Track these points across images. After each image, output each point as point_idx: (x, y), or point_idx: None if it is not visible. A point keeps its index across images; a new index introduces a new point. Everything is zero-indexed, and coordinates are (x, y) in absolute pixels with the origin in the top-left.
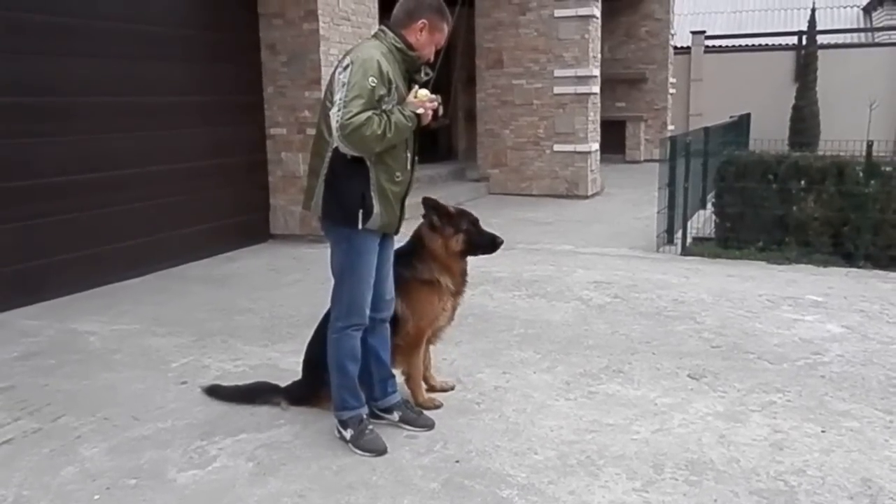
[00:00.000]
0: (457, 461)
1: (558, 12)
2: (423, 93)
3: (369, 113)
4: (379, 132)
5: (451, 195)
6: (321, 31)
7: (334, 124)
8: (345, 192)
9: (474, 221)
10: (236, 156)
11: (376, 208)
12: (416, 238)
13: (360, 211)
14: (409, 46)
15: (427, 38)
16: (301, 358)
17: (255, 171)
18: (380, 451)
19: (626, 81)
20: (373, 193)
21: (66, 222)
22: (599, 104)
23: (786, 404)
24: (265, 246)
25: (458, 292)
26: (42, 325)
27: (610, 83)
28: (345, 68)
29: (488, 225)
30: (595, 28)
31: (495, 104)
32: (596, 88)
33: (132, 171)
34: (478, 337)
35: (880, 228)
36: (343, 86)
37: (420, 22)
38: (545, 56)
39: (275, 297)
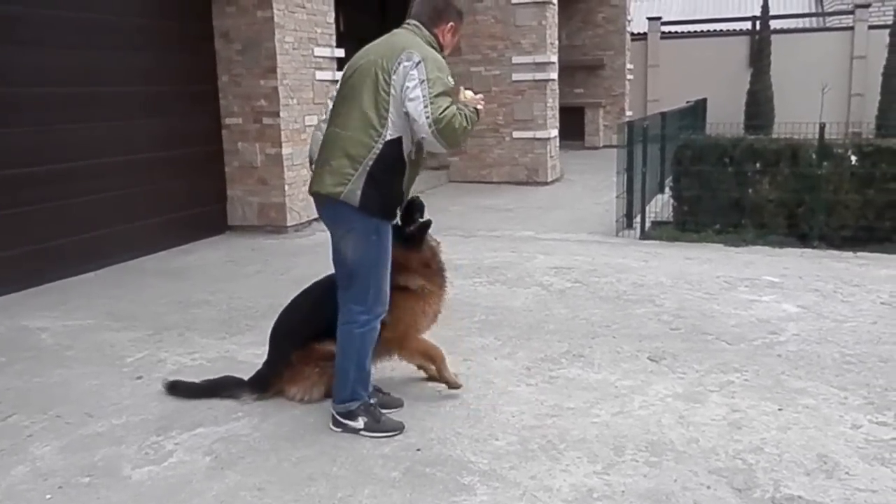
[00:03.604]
0: (418, 449)
1: None
2: (469, 93)
3: (455, 109)
4: (465, 125)
5: None
6: (276, 19)
7: (424, 119)
8: (391, 186)
9: None
10: (191, 146)
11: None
12: None
13: (398, 206)
14: (439, 46)
15: (451, 40)
16: (259, 350)
17: (211, 162)
18: (401, 428)
19: (584, 68)
20: (403, 189)
21: (15, 216)
22: (558, 91)
23: (743, 384)
24: (222, 237)
25: (439, 289)
26: None
27: (568, 70)
28: (416, 64)
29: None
30: (552, 15)
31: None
32: (554, 75)
33: (84, 162)
34: (438, 324)
35: (833, 209)
36: (422, 82)
37: (449, 24)
38: (503, 43)
39: (233, 289)
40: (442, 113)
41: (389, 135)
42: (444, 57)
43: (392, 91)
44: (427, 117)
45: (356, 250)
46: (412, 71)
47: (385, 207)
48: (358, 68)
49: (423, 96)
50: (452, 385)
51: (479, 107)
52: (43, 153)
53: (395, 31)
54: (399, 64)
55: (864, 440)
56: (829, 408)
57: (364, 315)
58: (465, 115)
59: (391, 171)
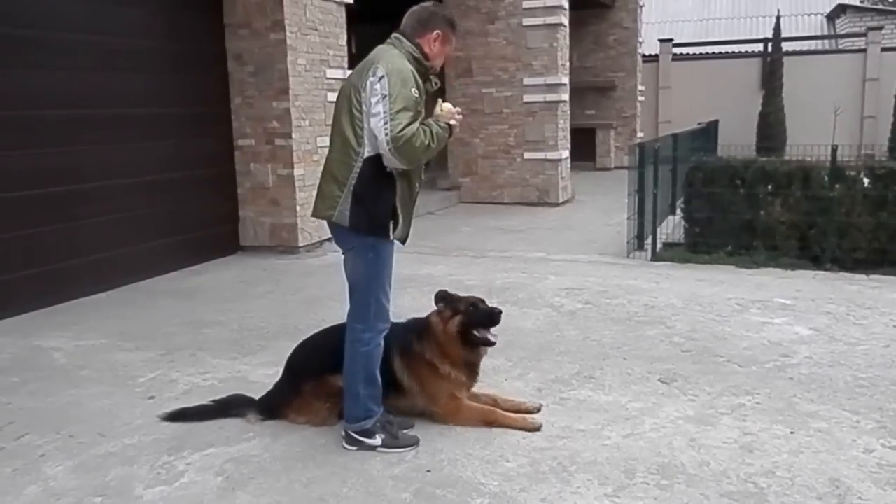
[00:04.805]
0: (428, 470)
1: (527, 21)
2: (448, 106)
3: (416, 124)
4: (427, 142)
5: (423, 204)
6: (288, 41)
7: (383, 136)
8: (377, 203)
9: (474, 303)
10: (204, 167)
11: (400, 219)
12: (426, 322)
13: (391, 222)
14: (424, 56)
15: (439, 49)
16: (271, 370)
17: (224, 183)
18: (417, 442)
19: (595, 89)
20: (398, 204)
21: (28, 237)
22: (569, 112)
23: (755, 406)
24: (234, 258)
25: (467, 384)
26: (5, 342)
27: (579, 91)
28: (380, 79)
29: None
30: (563, 37)
31: (465, 113)
32: (565, 96)
33: (97, 184)
34: None
35: (846, 231)
36: (384, 97)
37: (435, 32)
38: (514, 65)
39: (244, 310)
40: (401, 131)
41: (367, 152)
42: (430, 67)
43: (364, 108)
44: (385, 134)
45: (355, 267)
46: (376, 86)
47: (375, 224)
48: (340, 92)
49: (384, 112)
50: (530, 429)
51: (452, 122)
52: (57, 175)
53: (377, 47)
54: (367, 80)
55: (876, 464)
56: (842, 431)
57: (367, 333)
58: (432, 132)
59: (376, 187)
